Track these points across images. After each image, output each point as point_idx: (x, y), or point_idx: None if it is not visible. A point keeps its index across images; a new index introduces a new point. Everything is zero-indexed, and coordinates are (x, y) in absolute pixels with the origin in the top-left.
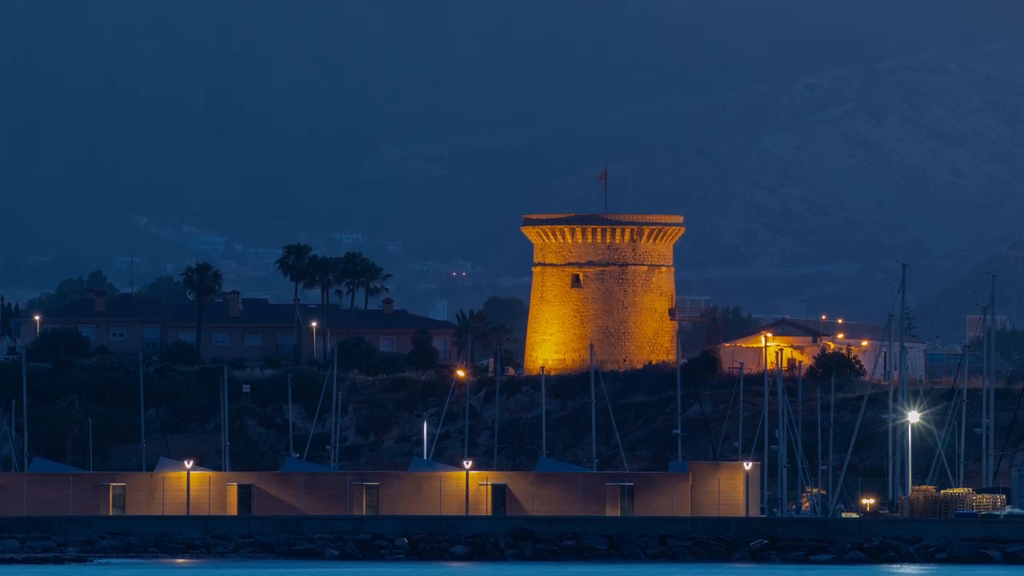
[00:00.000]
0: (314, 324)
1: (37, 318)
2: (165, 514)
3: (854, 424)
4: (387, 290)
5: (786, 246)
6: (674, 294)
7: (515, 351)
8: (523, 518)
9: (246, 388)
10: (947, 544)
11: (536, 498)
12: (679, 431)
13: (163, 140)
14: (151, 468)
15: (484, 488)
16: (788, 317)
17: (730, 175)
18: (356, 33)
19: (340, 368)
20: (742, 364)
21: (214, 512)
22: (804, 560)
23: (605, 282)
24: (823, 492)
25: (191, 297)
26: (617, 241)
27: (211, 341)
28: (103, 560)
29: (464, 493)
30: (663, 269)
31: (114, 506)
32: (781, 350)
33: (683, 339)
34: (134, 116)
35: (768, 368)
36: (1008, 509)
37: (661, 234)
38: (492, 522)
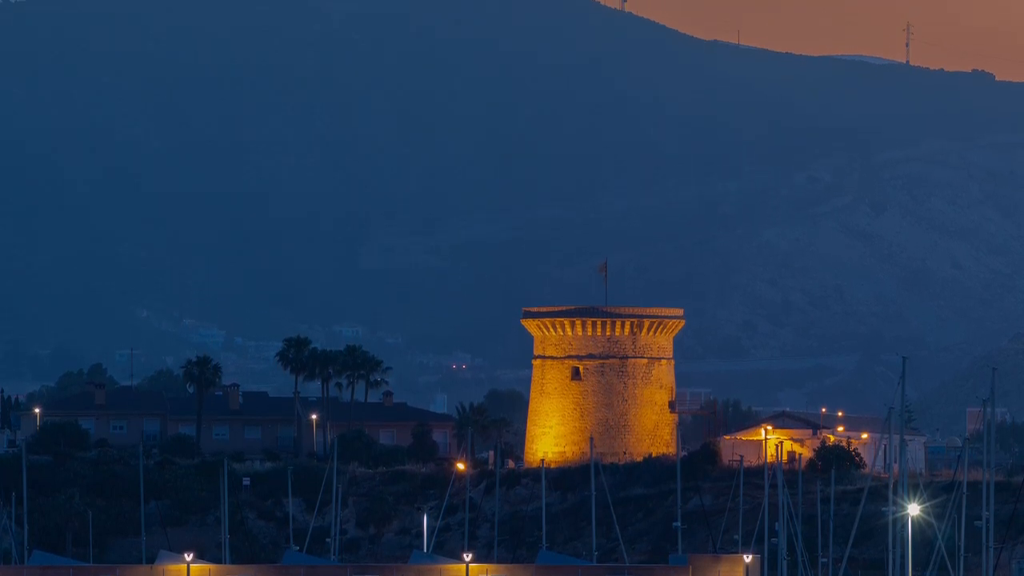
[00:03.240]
0: (314, 417)
1: (37, 411)
2: None
3: (854, 517)
4: (387, 383)
5: (786, 338)
6: (674, 387)
7: (515, 444)
8: None
9: (246, 481)
10: None
11: None
12: (679, 524)
13: (163, 232)
14: (151, 561)
15: None
16: (788, 410)
17: (730, 267)
18: (355, 123)
19: (340, 461)
20: (742, 457)
21: None
22: None
23: (605, 375)
24: None
25: (191, 390)
26: (617, 334)
27: (211, 434)
28: None
29: None
30: (663, 362)
31: None
32: (781, 443)
33: (683, 432)
34: (134, 208)
35: (768, 461)
36: None
37: (661, 327)
38: None
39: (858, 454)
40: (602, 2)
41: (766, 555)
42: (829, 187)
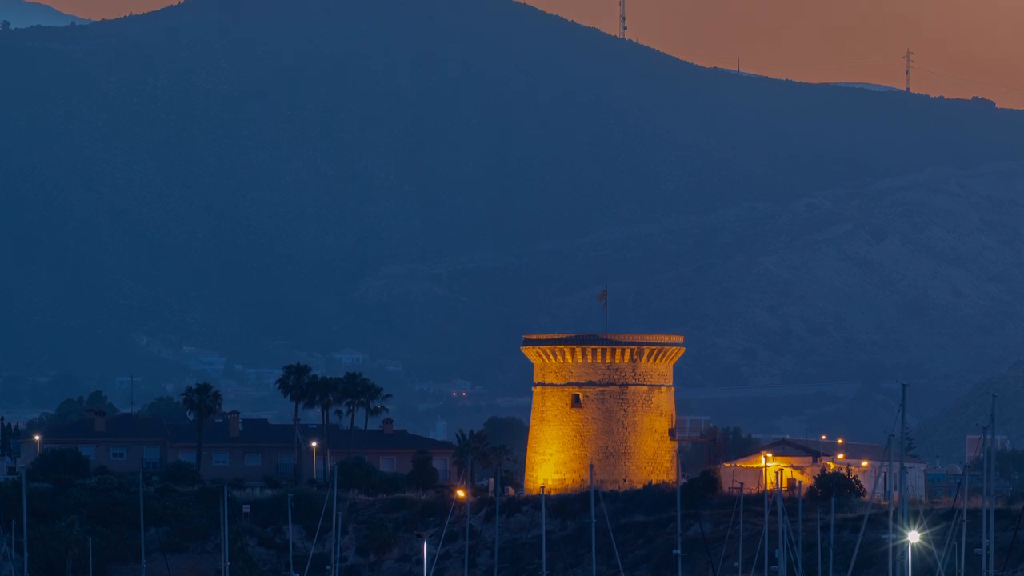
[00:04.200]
0: (314, 444)
1: (37, 438)
2: None
3: (854, 544)
4: (387, 410)
5: (786, 366)
6: (674, 414)
7: (515, 471)
8: None
9: (246, 508)
10: None
11: None
12: (679, 551)
13: (163, 260)
14: None
15: None
16: (788, 437)
17: (730, 294)
18: (356, 153)
19: (340, 488)
20: (742, 484)
21: None
22: None
23: (605, 402)
24: None
25: (191, 417)
26: (617, 361)
27: (211, 461)
28: None
29: None
30: (663, 389)
31: None
32: (781, 470)
33: (683, 459)
34: (134, 236)
35: (768, 488)
36: None
37: (661, 354)
38: None
39: (858, 481)
40: (603, 29)
41: None
42: (829, 214)
